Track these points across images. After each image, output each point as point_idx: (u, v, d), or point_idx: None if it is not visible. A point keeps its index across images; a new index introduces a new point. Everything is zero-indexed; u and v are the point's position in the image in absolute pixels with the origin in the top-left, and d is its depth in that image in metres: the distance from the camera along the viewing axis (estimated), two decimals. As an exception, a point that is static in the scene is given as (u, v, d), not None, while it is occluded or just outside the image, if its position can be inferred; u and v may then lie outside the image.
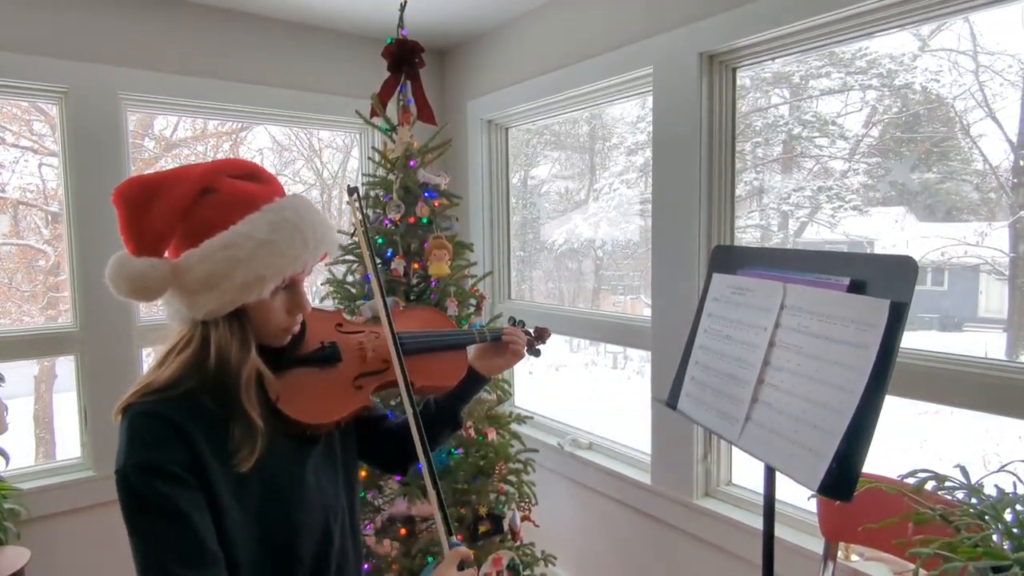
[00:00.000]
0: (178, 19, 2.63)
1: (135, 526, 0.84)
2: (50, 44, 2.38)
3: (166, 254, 0.90)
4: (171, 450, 0.84)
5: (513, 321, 1.43)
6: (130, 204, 0.85)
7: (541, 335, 1.47)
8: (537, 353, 1.46)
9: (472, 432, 2.22)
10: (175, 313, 0.91)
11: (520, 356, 1.34)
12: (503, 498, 2.24)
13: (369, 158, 2.59)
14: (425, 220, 2.23)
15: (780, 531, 1.77)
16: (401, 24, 2.31)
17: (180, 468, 0.84)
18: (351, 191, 1.16)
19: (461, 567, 0.96)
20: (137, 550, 0.84)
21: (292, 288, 0.97)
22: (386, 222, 2.22)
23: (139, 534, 0.84)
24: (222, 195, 0.90)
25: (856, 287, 1.08)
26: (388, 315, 1.08)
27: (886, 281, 1.03)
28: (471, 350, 1.32)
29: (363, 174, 2.70)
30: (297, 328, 1.02)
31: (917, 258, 1.00)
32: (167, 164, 3.61)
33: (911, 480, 1.03)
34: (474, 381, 1.28)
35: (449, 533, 0.99)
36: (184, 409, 0.87)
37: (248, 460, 0.89)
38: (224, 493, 0.88)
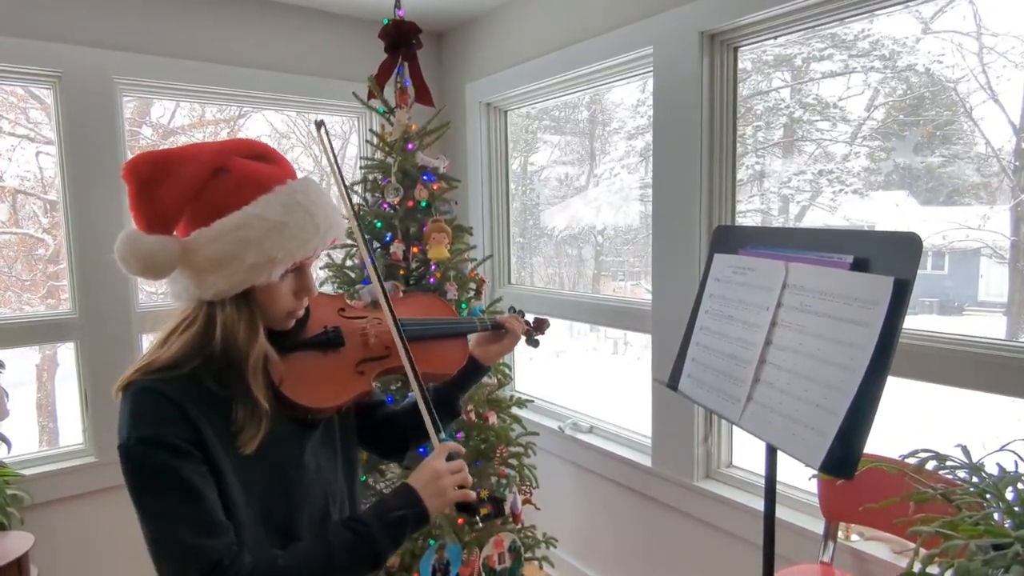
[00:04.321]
0: (173, 2, 2.60)
1: (142, 500, 0.83)
2: (43, 27, 2.35)
3: (176, 232, 0.89)
4: (174, 424, 0.84)
5: (512, 310, 1.43)
6: (141, 181, 0.84)
7: (540, 326, 1.46)
8: (536, 344, 1.46)
9: (473, 416, 2.23)
10: (182, 292, 0.90)
11: (517, 336, 1.34)
12: (504, 481, 2.25)
13: (367, 141, 2.57)
14: (424, 203, 2.22)
15: (781, 512, 1.78)
16: (398, 4, 2.29)
17: (183, 441, 0.84)
18: (319, 125, 1.11)
19: (450, 458, 1.01)
20: (146, 523, 0.84)
21: (300, 271, 0.96)
22: (384, 205, 2.20)
23: (146, 507, 0.83)
24: (234, 175, 0.89)
25: (859, 265, 1.08)
26: (386, 295, 1.08)
27: (890, 258, 1.02)
28: (472, 338, 1.32)
29: (361, 157, 2.68)
30: (302, 312, 1.01)
31: (919, 239, 0.99)
32: (164, 150, 3.56)
33: (912, 460, 1.03)
34: (475, 369, 1.29)
35: (437, 431, 1.04)
36: (186, 389, 0.86)
37: (252, 442, 0.89)
38: (226, 473, 0.88)
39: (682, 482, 2.22)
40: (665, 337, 2.22)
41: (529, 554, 2.32)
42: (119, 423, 0.85)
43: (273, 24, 2.84)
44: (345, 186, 1.08)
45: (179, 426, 0.84)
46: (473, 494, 1.02)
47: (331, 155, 1.09)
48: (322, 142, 1.09)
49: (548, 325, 1.48)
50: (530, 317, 1.46)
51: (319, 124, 1.11)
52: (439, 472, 0.99)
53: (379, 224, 2.20)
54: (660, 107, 2.18)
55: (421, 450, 1.99)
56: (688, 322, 1.46)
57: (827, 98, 1.97)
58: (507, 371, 2.46)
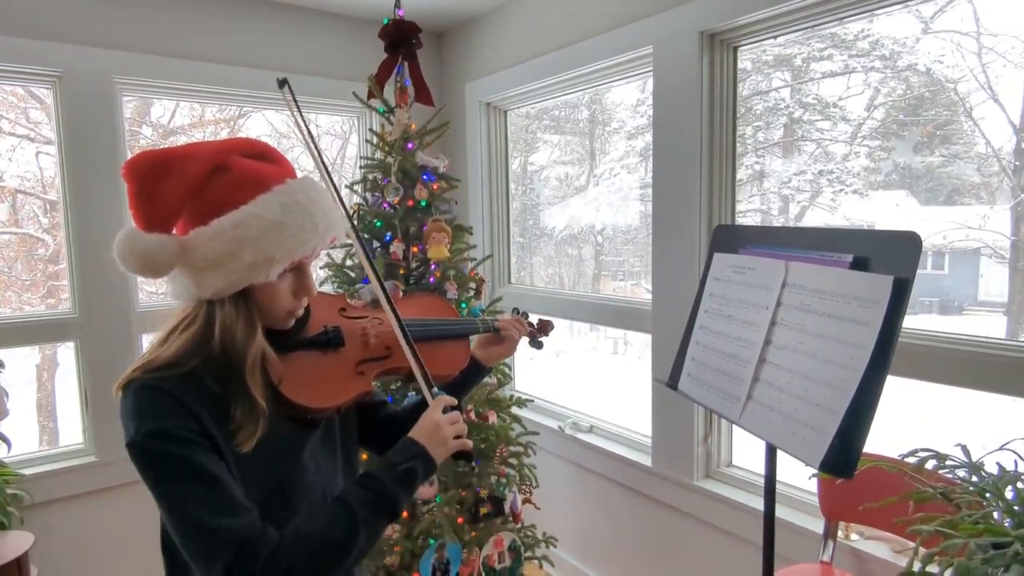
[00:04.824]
0: (173, 1, 2.60)
1: (160, 491, 0.83)
2: (43, 27, 2.35)
3: (175, 231, 0.89)
4: (178, 417, 0.84)
5: (516, 311, 1.43)
6: (141, 179, 0.84)
7: (544, 328, 1.46)
8: (539, 345, 1.46)
9: (473, 415, 2.23)
10: (181, 290, 0.90)
11: (516, 340, 1.34)
12: (504, 480, 2.25)
13: (367, 140, 2.57)
14: (424, 203, 2.22)
15: (780, 511, 1.78)
16: (398, 4, 2.29)
17: (190, 432, 0.84)
18: (281, 83, 1.10)
19: (446, 411, 1.04)
20: (168, 512, 0.84)
21: (299, 271, 0.96)
22: (384, 205, 2.20)
23: (166, 497, 0.83)
24: (234, 174, 0.89)
25: (859, 264, 1.08)
26: (386, 293, 1.08)
27: (889, 257, 1.02)
28: (473, 340, 1.32)
29: (361, 157, 2.68)
30: (301, 311, 1.01)
31: (919, 239, 0.99)
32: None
33: (912, 459, 1.03)
34: (476, 371, 1.29)
35: (430, 387, 1.07)
36: (186, 387, 0.86)
37: (250, 441, 0.89)
38: (229, 467, 0.88)
39: (682, 482, 2.22)
40: (665, 337, 2.22)
41: (529, 553, 2.32)
42: (123, 421, 0.85)
43: (273, 24, 2.84)
44: (317, 148, 1.07)
45: (183, 419, 0.84)
46: (470, 443, 1.05)
47: (298, 114, 1.08)
48: (286, 100, 1.08)
49: (552, 327, 1.48)
50: (534, 319, 1.46)
51: (282, 82, 1.10)
52: (439, 423, 1.02)
53: (379, 223, 2.20)
54: (660, 107, 2.18)
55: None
56: (688, 321, 1.46)
57: (827, 98, 1.97)
58: (507, 371, 2.46)
